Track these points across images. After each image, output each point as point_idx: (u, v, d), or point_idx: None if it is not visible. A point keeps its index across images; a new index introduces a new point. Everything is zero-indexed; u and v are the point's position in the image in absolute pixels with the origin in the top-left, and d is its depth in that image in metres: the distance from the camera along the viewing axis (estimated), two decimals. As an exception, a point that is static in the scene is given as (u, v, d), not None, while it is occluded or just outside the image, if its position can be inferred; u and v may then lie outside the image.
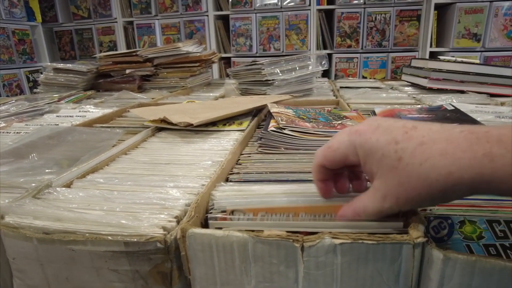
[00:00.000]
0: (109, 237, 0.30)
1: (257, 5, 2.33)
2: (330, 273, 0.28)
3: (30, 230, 0.32)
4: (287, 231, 0.29)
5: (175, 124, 0.64)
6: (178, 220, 0.33)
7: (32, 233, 0.31)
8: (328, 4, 2.27)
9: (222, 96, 1.15)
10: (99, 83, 1.42)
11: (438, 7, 2.16)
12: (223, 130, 0.65)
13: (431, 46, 2.20)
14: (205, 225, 0.34)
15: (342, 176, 0.33)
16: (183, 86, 1.33)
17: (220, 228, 0.30)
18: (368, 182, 0.33)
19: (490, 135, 0.22)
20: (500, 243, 0.32)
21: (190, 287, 0.32)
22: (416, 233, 0.27)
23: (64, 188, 0.41)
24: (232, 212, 0.32)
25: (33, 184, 0.44)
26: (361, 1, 2.19)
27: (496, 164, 0.21)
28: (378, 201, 0.27)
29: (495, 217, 0.32)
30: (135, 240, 0.29)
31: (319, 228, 0.29)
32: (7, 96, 2.27)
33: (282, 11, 2.31)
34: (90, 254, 0.31)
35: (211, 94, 1.22)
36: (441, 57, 1.19)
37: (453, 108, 0.70)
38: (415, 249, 0.27)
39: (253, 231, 0.29)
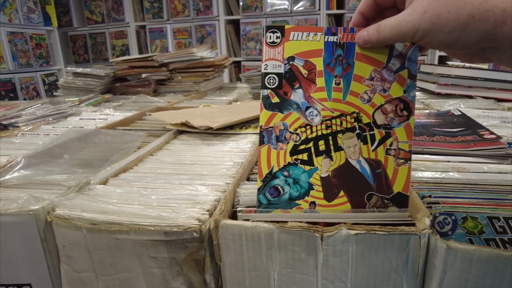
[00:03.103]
0: (151, 228, 0.34)
1: (267, 9, 2.38)
2: (346, 260, 0.32)
3: (79, 221, 0.36)
4: (307, 222, 0.32)
5: (196, 128, 0.68)
6: (210, 213, 0.37)
7: (82, 224, 0.36)
8: (337, 8, 2.30)
9: (235, 100, 1.19)
10: (116, 86, 1.48)
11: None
12: (240, 133, 0.69)
13: (440, 50, 2.22)
14: (232, 218, 0.37)
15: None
16: (197, 90, 1.38)
17: (248, 220, 0.34)
18: None
19: None
20: (500, 238, 0.35)
21: (220, 273, 0.36)
22: (422, 225, 0.31)
23: (101, 186, 0.46)
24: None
25: (71, 182, 0.48)
26: (370, 6, 2.22)
27: None
28: (404, 15, 0.29)
29: (495, 214, 0.35)
30: (175, 230, 0.33)
31: (335, 218, 0.33)
32: (24, 98, 2.35)
33: (292, 16, 2.35)
34: (133, 243, 0.35)
35: (224, 98, 1.27)
36: (450, 63, 1.22)
37: (460, 113, 0.73)
38: (421, 239, 0.31)
39: (278, 222, 0.33)
